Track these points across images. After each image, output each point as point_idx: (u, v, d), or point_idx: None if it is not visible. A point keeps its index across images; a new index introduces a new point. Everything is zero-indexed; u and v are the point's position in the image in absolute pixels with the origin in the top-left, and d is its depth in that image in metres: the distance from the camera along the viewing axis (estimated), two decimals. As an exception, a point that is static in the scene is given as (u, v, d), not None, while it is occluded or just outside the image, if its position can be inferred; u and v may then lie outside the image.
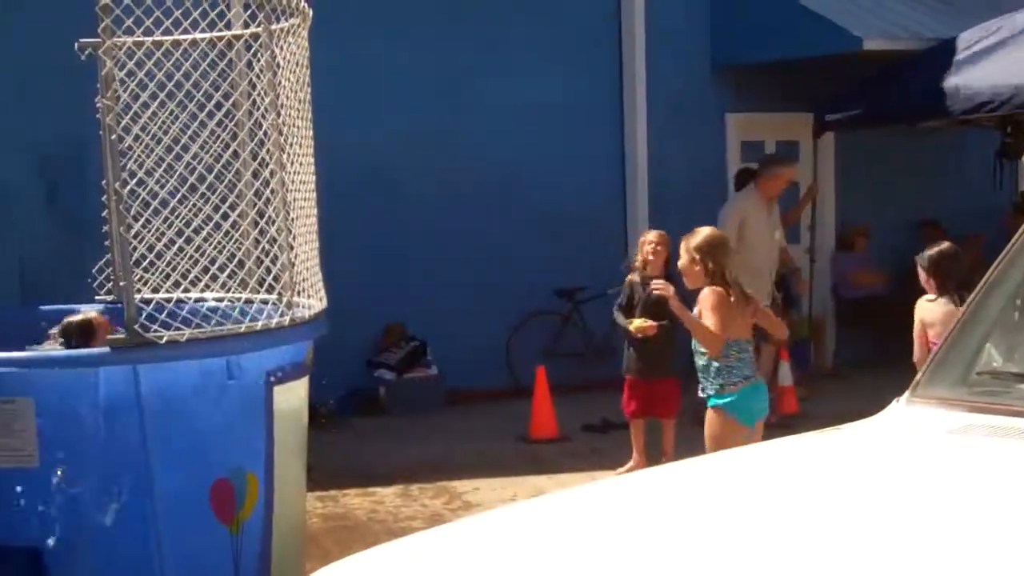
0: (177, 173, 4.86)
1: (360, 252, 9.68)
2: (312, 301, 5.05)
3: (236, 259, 4.90)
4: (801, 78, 11.03)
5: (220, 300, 5.26)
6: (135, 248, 4.40)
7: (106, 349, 4.30)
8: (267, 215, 4.77)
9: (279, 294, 4.83)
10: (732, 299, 5.82)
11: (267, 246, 4.77)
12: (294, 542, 5.15)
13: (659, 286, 6.30)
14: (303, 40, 4.92)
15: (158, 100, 4.68)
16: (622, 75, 11.43)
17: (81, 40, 5.35)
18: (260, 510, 4.73)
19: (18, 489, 4.38)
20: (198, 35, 4.70)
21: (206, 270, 4.94)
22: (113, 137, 4.17)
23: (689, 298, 6.11)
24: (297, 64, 4.88)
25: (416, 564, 2.87)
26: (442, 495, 7.67)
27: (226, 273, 4.92)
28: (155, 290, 4.89)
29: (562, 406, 9.28)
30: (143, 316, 4.31)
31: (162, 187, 4.83)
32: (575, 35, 11.28)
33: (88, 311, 5.27)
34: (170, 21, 4.57)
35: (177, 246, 4.87)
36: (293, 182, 4.83)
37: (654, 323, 7.38)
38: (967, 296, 4.28)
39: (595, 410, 9.44)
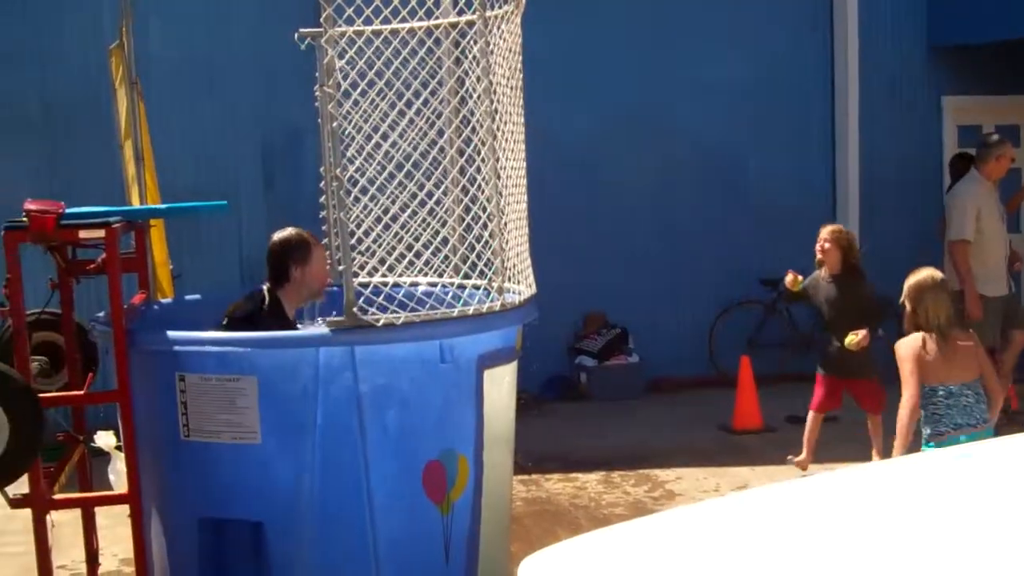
0: (393, 160, 4.96)
1: (562, 238, 9.70)
2: (522, 287, 5.08)
3: (449, 244, 4.96)
4: (1022, 59, 10.52)
5: (433, 285, 5.35)
6: (352, 233, 4.49)
7: (326, 330, 4.41)
8: (480, 202, 4.82)
9: (491, 280, 4.88)
10: (932, 345, 5.62)
11: (480, 232, 4.82)
12: (501, 523, 5.20)
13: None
14: (516, 27, 4.94)
15: (376, 88, 4.78)
16: (833, 57, 11.12)
17: (301, 30, 5.51)
18: (470, 491, 4.79)
19: (240, 465, 4.56)
20: (416, 23, 4.78)
21: (419, 255, 5.03)
22: (334, 124, 4.27)
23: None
24: (510, 51, 4.91)
25: (627, 554, 2.85)
26: (644, 483, 7.64)
27: (440, 258, 4.99)
28: (370, 274, 4.99)
29: (765, 396, 9.13)
30: (360, 299, 4.41)
31: (380, 172, 4.93)
32: (787, 16, 11.03)
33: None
34: (384, 9, 4.66)
35: (392, 232, 4.96)
36: (505, 169, 4.86)
37: (866, 334, 7.13)
38: None
39: (799, 401, 9.20)
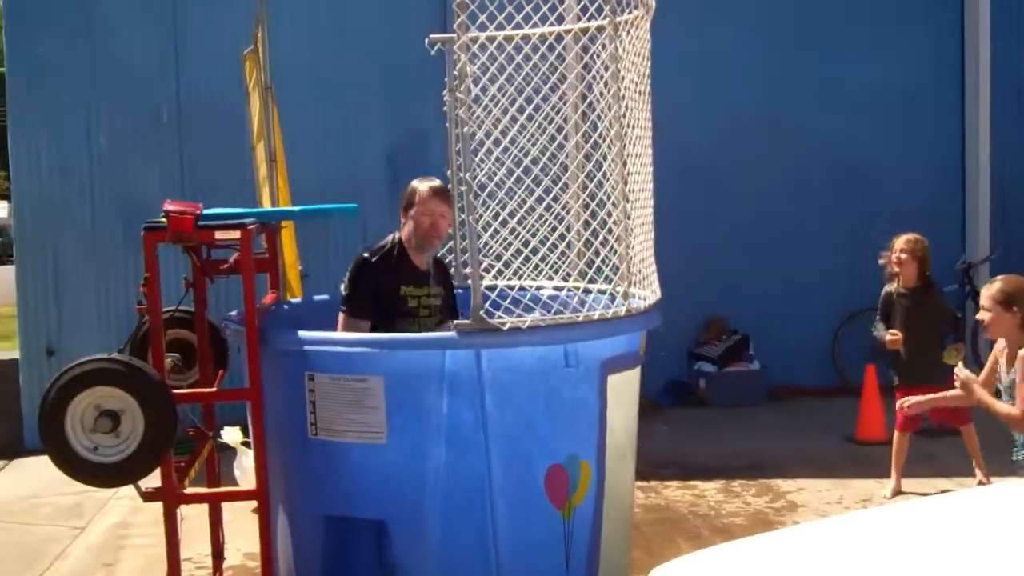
0: (521, 165, 4.97)
1: (684, 243, 9.61)
2: (647, 292, 5.05)
3: (576, 249, 4.96)
4: None
5: (559, 289, 5.35)
6: (479, 236, 4.51)
7: (452, 334, 4.44)
8: (606, 206, 4.80)
9: (615, 284, 4.87)
10: None
11: (605, 236, 4.81)
12: (622, 530, 5.18)
13: (960, 375, 5.43)
14: (645, 32, 4.92)
15: (505, 92, 4.80)
16: (964, 62, 10.85)
17: (432, 35, 5.55)
18: (591, 497, 4.78)
19: (366, 464, 4.61)
20: (547, 29, 4.78)
21: (544, 258, 5.04)
22: (465, 129, 4.30)
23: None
24: (638, 56, 4.89)
25: (758, 569, 2.80)
26: (765, 493, 7.53)
27: (567, 263, 4.99)
28: (495, 277, 5.02)
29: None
30: (487, 303, 4.43)
31: (506, 176, 4.94)
32: (915, 18, 10.80)
33: None
34: (516, 16, 4.68)
35: (515, 234, 4.96)
36: (631, 174, 4.84)
37: (899, 335, 6.89)
38: None
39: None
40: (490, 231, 4.77)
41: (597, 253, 4.84)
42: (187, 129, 9.74)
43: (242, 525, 6.37)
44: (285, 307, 5.83)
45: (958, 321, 7.37)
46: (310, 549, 4.80)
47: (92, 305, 9.72)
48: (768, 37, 10.57)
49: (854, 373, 9.58)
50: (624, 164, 4.74)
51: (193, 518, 5.78)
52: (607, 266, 4.84)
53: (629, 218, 4.81)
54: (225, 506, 5.80)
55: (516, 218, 4.82)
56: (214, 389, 5.17)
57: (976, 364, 6.70)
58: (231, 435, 7.13)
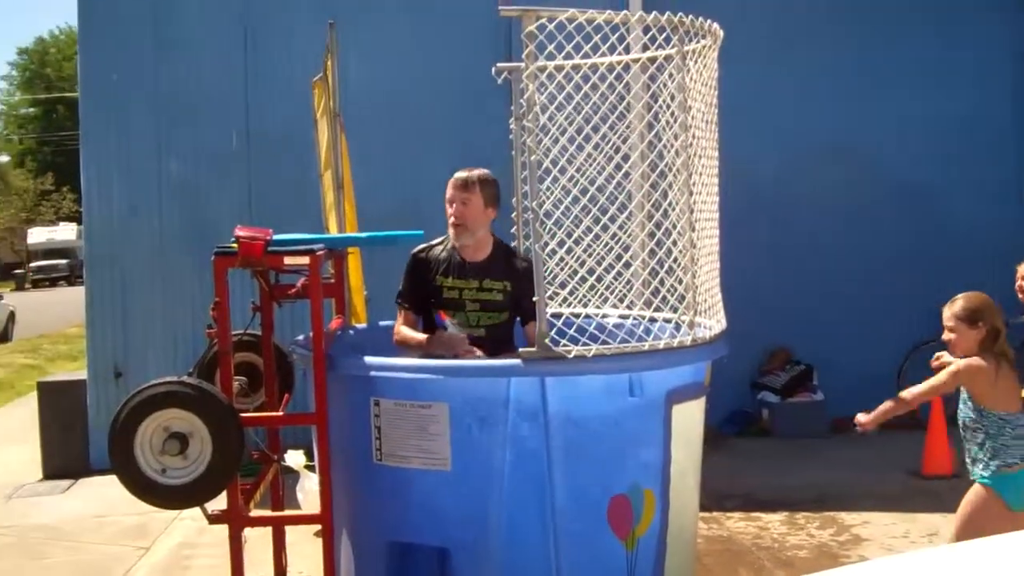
0: (588, 194, 4.98)
1: (748, 272, 9.56)
2: (712, 322, 5.03)
3: (641, 278, 4.95)
4: None
5: (624, 317, 5.34)
6: (545, 263, 4.52)
7: (518, 361, 4.45)
8: (672, 235, 4.80)
9: (681, 313, 4.86)
10: (1006, 370, 5.20)
11: (671, 264, 4.80)
12: (685, 562, 5.14)
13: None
14: (712, 62, 4.92)
15: (574, 122, 4.82)
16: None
17: (499, 64, 5.59)
18: (655, 528, 4.75)
19: (430, 490, 4.62)
20: (615, 58, 4.80)
21: (608, 286, 5.04)
22: (533, 158, 4.32)
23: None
24: (705, 85, 4.89)
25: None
26: (829, 526, 7.44)
27: (632, 292, 4.99)
28: (560, 304, 5.02)
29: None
30: (552, 331, 4.44)
31: (572, 203, 4.95)
32: (985, 53, 10.69)
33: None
34: (584, 45, 4.70)
35: (583, 264, 4.97)
36: (698, 204, 4.83)
37: None
38: None
39: (994, 447, 8.89)
40: (556, 259, 4.78)
41: (662, 282, 4.83)
42: (255, 155, 9.86)
43: (304, 548, 6.40)
44: (351, 332, 5.88)
45: None
46: (373, 574, 4.82)
47: (159, 328, 9.85)
48: (836, 68, 10.50)
49: (919, 406, 9.44)
50: (691, 194, 4.74)
51: (255, 540, 5.82)
52: (672, 295, 4.82)
53: (695, 247, 4.80)
54: (288, 529, 5.84)
55: (582, 245, 4.82)
56: (281, 413, 5.22)
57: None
58: (294, 458, 7.18)
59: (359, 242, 6.13)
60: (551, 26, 4.27)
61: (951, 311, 5.33)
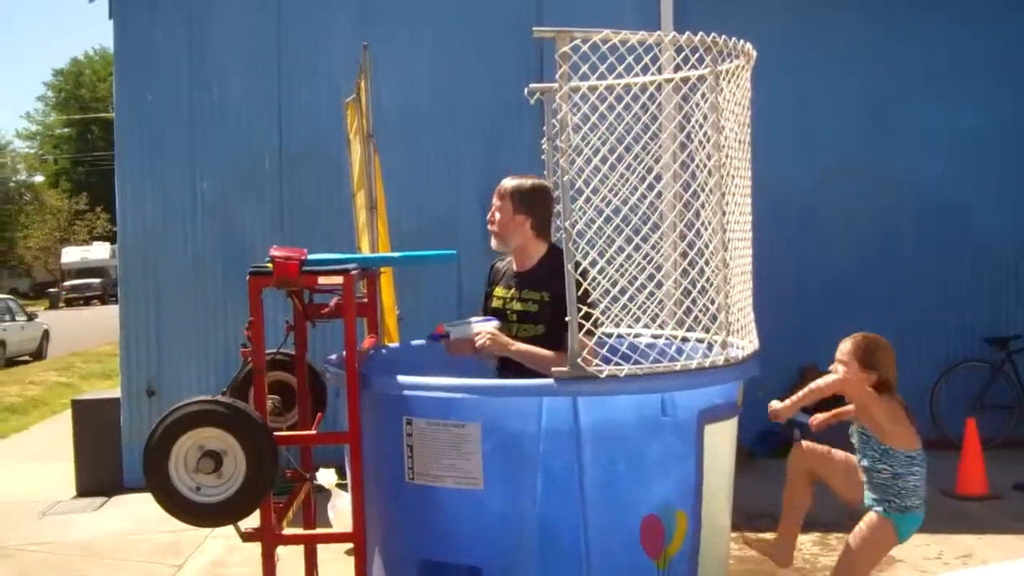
0: (622, 215, 4.98)
1: (779, 291, 9.54)
2: (744, 342, 5.03)
3: (673, 298, 4.95)
4: None
5: (656, 337, 5.34)
6: (578, 284, 4.52)
7: (550, 381, 4.46)
8: (705, 255, 4.80)
9: (713, 333, 4.85)
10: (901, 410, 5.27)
11: (704, 285, 4.80)
12: (717, 582, 5.13)
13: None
14: (746, 81, 4.93)
15: (607, 142, 4.84)
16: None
17: (532, 85, 5.61)
18: (687, 548, 4.74)
19: (462, 509, 4.63)
20: (648, 78, 4.81)
21: (641, 306, 5.04)
22: (566, 178, 4.33)
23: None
24: (738, 105, 4.90)
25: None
26: (862, 546, 7.37)
27: (664, 312, 4.99)
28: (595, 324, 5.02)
29: (991, 461, 8.73)
30: (584, 350, 4.44)
31: (604, 222, 4.96)
32: (1009, 67, 10.65)
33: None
34: (618, 66, 4.72)
35: (615, 283, 4.97)
36: (730, 223, 4.83)
37: None
38: None
39: (1028, 467, 8.85)
40: (589, 278, 4.78)
41: (695, 302, 4.83)
42: (288, 175, 9.94)
43: (335, 567, 6.42)
44: (383, 351, 5.90)
45: None
46: (405, 593, 4.83)
47: (192, 347, 9.92)
48: (861, 83, 10.49)
49: (952, 426, 9.40)
50: (723, 213, 4.74)
51: (287, 558, 5.83)
52: (705, 315, 4.82)
53: (728, 267, 4.80)
54: (319, 547, 5.85)
55: (614, 265, 4.83)
56: (314, 431, 5.24)
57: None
58: (326, 477, 7.21)
59: (392, 262, 6.16)
60: (585, 47, 4.29)
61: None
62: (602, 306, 4.99)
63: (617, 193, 5.17)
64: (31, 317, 27.50)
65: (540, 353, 4.84)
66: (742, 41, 4.82)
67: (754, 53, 4.90)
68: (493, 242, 5.15)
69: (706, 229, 4.80)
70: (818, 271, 10.41)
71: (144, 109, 9.92)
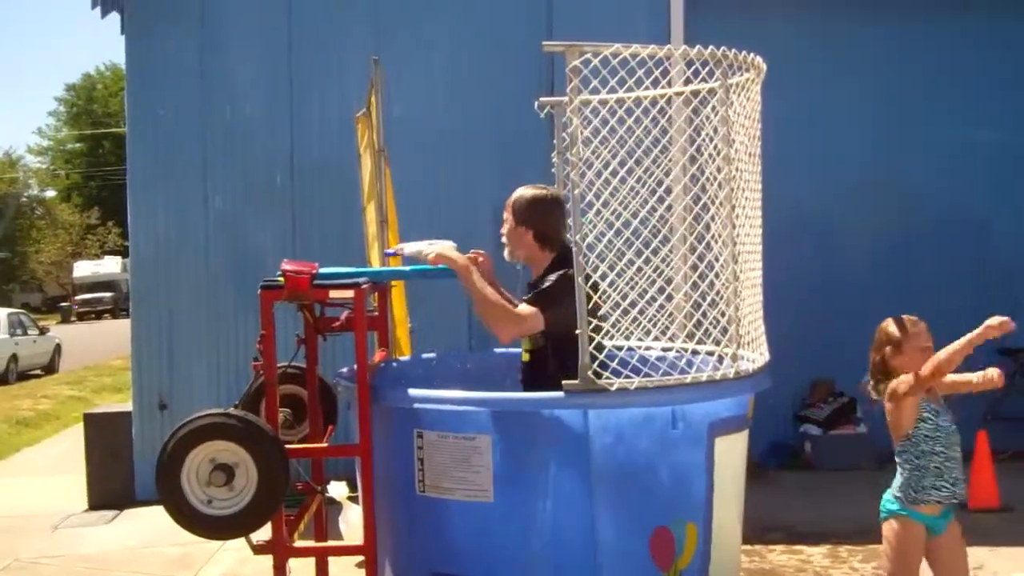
0: (632, 228, 4.99)
1: (790, 304, 9.54)
2: (754, 354, 5.03)
3: (684, 310, 4.96)
4: None
5: (667, 350, 5.34)
6: (589, 297, 4.53)
7: (560, 393, 4.46)
8: (715, 269, 4.81)
9: (724, 346, 4.86)
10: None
11: (714, 298, 4.80)
12: (728, 594, 5.12)
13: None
14: (756, 95, 4.94)
15: (617, 155, 4.85)
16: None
17: (542, 99, 5.63)
18: (698, 560, 4.73)
19: (472, 522, 4.63)
20: (658, 91, 4.83)
21: (651, 319, 5.05)
22: (577, 191, 4.35)
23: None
24: (749, 118, 4.91)
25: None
26: (873, 558, 7.36)
27: (675, 324, 5.00)
28: (605, 337, 5.02)
29: (1003, 474, 8.71)
30: (595, 363, 4.45)
31: (614, 235, 4.97)
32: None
33: None
34: (628, 79, 4.73)
35: (625, 296, 4.98)
36: (740, 236, 4.84)
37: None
38: None
39: (1041, 480, 8.82)
40: (599, 291, 4.79)
41: (705, 315, 4.83)
42: (299, 190, 9.98)
43: (347, 579, 6.43)
44: (394, 364, 5.92)
45: None
46: (416, 606, 4.83)
47: (204, 360, 9.95)
48: (877, 96, 10.49)
49: (964, 438, 9.34)
50: (733, 226, 4.75)
51: (298, 571, 5.84)
52: (715, 327, 4.82)
53: (738, 280, 4.81)
54: (330, 559, 5.85)
55: (624, 278, 4.83)
56: (325, 444, 5.25)
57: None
58: (337, 489, 7.21)
59: (404, 275, 6.18)
60: (595, 60, 4.30)
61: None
62: (613, 319, 4.99)
63: (627, 206, 5.18)
64: (43, 331, 27.61)
65: (491, 298, 4.77)
66: (752, 55, 4.84)
67: (764, 66, 4.91)
68: (505, 253, 5.19)
69: (716, 242, 4.80)
70: (832, 283, 10.40)
71: (156, 124, 9.96)
